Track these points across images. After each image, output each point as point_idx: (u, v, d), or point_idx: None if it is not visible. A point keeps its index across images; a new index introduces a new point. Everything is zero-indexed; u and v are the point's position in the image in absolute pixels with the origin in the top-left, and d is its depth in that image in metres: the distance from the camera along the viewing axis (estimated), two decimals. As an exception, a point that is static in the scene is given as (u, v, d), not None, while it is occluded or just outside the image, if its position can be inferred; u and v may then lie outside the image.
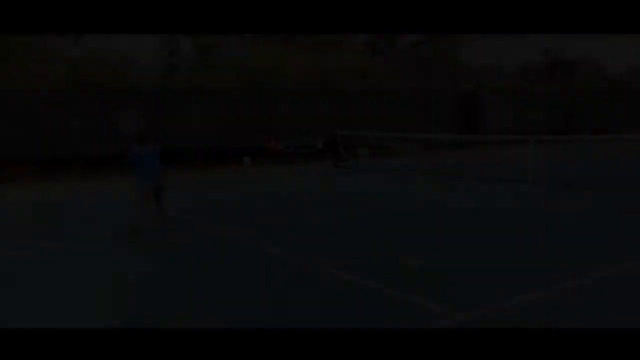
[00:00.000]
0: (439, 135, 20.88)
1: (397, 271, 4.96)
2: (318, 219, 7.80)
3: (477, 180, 11.39)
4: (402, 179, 12.43)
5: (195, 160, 16.49)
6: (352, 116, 19.19)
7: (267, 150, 17.18)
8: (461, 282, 4.60)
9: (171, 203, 8.82)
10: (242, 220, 7.66)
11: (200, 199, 10.12)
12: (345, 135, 17.32)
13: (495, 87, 25.15)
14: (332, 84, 20.10)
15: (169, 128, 14.93)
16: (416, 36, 45.19)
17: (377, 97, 20.08)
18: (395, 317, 3.86)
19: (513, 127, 23.49)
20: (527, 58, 47.35)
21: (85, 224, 7.92)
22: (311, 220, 7.73)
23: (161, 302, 4.35)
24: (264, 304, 4.22)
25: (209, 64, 30.45)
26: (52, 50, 18.48)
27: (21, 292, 4.77)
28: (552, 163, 13.80)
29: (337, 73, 20.68)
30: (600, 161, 14.20)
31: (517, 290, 4.28)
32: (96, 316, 4.05)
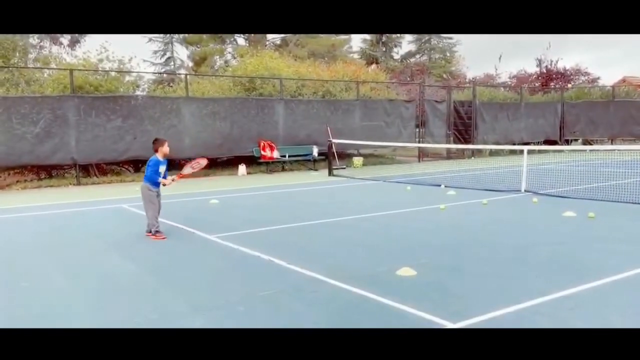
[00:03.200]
0: (433, 144, 21.03)
1: (391, 282, 4.97)
2: (310, 228, 7.81)
3: (471, 190, 11.44)
4: (396, 188, 12.47)
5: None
6: (347, 125, 19.26)
7: (262, 158, 17.20)
8: (454, 292, 4.61)
9: (168, 212, 8.82)
10: (235, 229, 7.65)
11: (196, 207, 10.10)
12: (340, 143, 17.40)
13: (489, 97, 25.33)
14: (327, 92, 20.19)
15: (161, 136, 14.88)
16: (411, 46, 45.53)
17: (372, 106, 20.16)
18: (390, 325, 3.87)
19: (507, 137, 23.71)
20: (522, 68, 47.78)
21: (85, 232, 7.91)
22: (303, 229, 7.75)
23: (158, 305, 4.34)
24: (259, 309, 4.22)
25: (204, 71, 30.55)
26: (48, 56, 18.45)
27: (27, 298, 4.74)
28: (545, 173, 13.89)
29: (332, 82, 20.77)
30: (593, 170, 14.30)
31: (512, 301, 4.30)
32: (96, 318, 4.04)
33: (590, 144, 25.29)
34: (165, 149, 7.11)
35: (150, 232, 7.04)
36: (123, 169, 16.95)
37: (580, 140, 26.67)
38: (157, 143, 7.15)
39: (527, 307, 4.15)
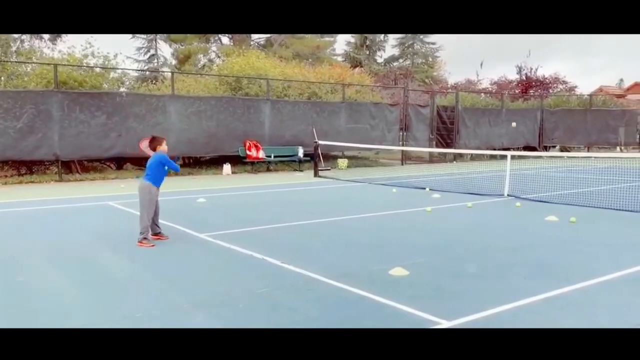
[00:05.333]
0: (416, 148, 21.29)
1: (385, 281, 5.08)
2: (300, 228, 7.89)
3: (455, 193, 11.65)
4: (382, 190, 12.62)
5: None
6: (333, 127, 19.38)
7: (247, 158, 17.19)
8: (448, 292, 4.75)
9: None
10: (225, 228, 7.69)
11: (184, 205, 10.08)
12: (325, 145, 17.50)
13: (471, 103, 25.73)
14: (313, 94, 20.28)
15: (146, 134, 14.77)
16: (394, 50, 45.90)
17: (357, 109, 20.32)
18: (386, 324, 3.97)
19: (488, 142, 24.13)
20: (502, 75, 48.52)
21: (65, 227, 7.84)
22: (293, 229, 7.82)
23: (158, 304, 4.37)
24: (257, 307, 4.28)
25: (188, 70, 30.34)
26: (30, 50, 18.13)
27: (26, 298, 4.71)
28: (526, 178, 14.21)
29: (317, 83, 20.87)
30: (572, 177, 14.69)
31: (504, 300, 4.45)
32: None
33: (568, 151, 25.89)
34: (164, 147, 6.82)
35: (141, 240, 6.56)
36: (105, 166, 16.78)
37: (557, 147, 27.28)
38: (155, 141, 6.81)
39: (519, 306, 4.30)
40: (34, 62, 16.74)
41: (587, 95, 28.91)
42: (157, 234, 6.87)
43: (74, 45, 16.81)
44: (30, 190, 12.46)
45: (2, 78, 15.32)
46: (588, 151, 25.41)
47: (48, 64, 15.12)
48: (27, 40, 25.28)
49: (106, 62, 16.34)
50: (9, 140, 13.46)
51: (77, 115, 14.36)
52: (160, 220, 6.99)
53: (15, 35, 22.87)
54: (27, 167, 15.17)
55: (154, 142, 6.84)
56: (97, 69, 16.11)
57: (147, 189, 6.66)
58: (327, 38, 37.85)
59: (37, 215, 8.99)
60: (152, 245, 6.52)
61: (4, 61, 17.30)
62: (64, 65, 15.08)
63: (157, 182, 6.76)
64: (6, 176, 14.52)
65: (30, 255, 6.13)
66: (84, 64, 15.79)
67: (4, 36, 19.15)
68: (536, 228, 7.78)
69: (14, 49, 21.88)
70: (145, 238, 6.58)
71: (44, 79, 14.66)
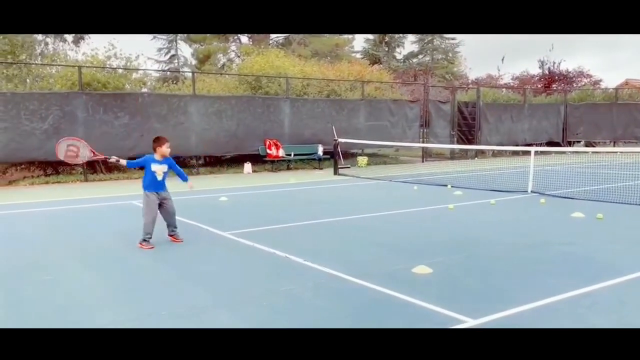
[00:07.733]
0: (437, 144, 21.12)
1: (408, 279, 5.05)
2: (322, 226, 7.89)
3: (477, 190, 11.52)
4: (403, 187, 12.55)
5: (195, 167, 16.57)
6: (352, 124, 19.34)
7: (267, 157, 17.27)
8: (472, 290, 4.70)
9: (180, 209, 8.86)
10: (247, 226, 7.73)
11: (206, 204, 10.17)
12: (345, 143, 17.48)
13: (493, 98, 25.40)
14: (332, 92, 20.26)
15: (168, 133, 14.92)
16: (414, 46, 45.54)
17: (376, 106, 20.24)
18: (411, 323, 3.95)
19: (510, 138, 23.81)
20: (524, 69, 47.76)
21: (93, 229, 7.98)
22: (315, 227, 7.83)
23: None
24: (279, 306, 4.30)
25: (208, 69, 30.59)
26: (54, 53, 18.46)
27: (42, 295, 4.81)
28: (550, 174, 13.98)
29: (336, 81, 20.85)
30: (597, 172, 14.40)
31: (530, 298, 4.39)
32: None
33: (593, 146, 25.38)
34: (163, 149, 6.47)
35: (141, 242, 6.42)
36: (128, 165, 17.01)
37: (582, 142, 26.76)
38: (155, 142, 6.56)
39: (545, 305, 4.23)
40: (59, 65, 17.04)
41: (613, 88, 28.27)
42: (171, 235, 6.77)
43: (97, 47, 17.02)
44: (57, 190, 12.71)
45: (28, 80, 15.62)
46: (614, 146, 24.87)
47: (72, 66, 15.39)
48: (51, 43, 25.76)
49: (128, 64, 16.56)
50: (35, 141, 13.75)
51: (101, 116, 14.59)
52: (183, 219, 7.05)
53: (40, 38, 23.33)
54: (53, 168, 15.47)
55: (154, 143, 6.60)
56: (120, 70, 16.35)
57: (144, 192, 6.57)
58: (346, 36, 37.70)
59: (64, 214, 9.17)
60: (151, 248, 6.35)
61: (30, 63, 17.66)
62: (88, 67, 15.33)
63: (147, 186, 6.49)
64: (33, 176, 14.84)
65: (57, 254, 6.26)
66: (107, 66, 16.02)
67: (28, 39, 19.53)
68: (562, 225, 7.65)
69: (38, 51, 22.31)
70: (144, 240, 6.41)
71: (69, 80, 14.93)
